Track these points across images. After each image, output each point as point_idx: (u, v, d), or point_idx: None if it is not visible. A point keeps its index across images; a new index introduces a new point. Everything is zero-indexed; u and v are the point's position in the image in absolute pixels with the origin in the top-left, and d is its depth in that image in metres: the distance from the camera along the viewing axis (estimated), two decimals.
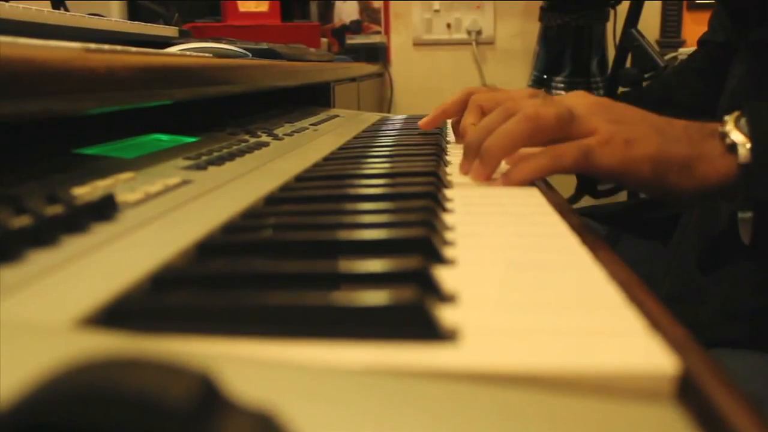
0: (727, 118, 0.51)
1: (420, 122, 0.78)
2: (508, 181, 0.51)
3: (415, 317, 0.22)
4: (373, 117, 1.10)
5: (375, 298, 0.23)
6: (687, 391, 0.21)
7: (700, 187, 0.51)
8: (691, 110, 0.64)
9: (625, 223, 0.88)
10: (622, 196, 2.10)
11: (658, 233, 0.84)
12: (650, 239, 0.85)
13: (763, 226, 0.51)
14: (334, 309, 0.23)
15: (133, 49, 0.58)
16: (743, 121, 0.50)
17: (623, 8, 1.72)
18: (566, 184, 1.76)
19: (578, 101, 0.54)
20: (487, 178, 0.53)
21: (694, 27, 2.31)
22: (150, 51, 0.65)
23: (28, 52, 0.35)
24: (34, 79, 0.35)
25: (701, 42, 0.97)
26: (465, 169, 0.55)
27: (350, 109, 1.31)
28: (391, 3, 2.48)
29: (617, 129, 0.51)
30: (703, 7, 2.30)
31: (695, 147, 0.51)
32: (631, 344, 0.22)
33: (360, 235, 0.33)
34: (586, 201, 1.88)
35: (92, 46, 0.49)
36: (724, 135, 0.50)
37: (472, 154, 0.54)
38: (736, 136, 0.49)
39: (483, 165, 0.53)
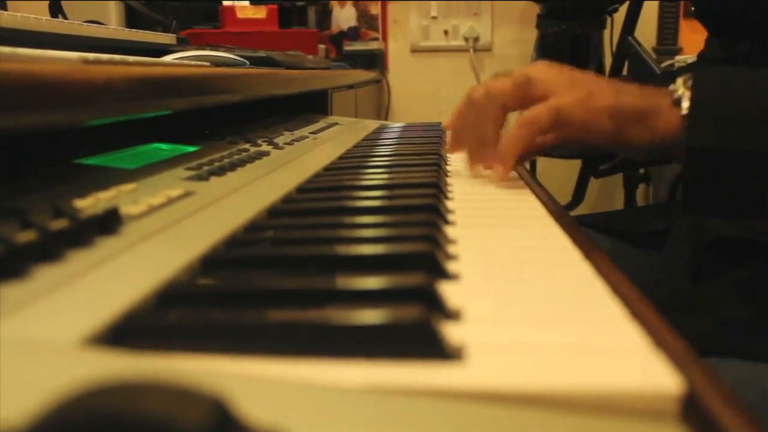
0: (678, 79, 0.55)
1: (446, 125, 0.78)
2: (505, 166, 0.58)
3: (421, 336, 0.22)
4: (373, 125, 1.11)
5: (381, 316, 0.23)
6: (690, 407, 0.21)
7: (654, 139, 0.55)
8: None
9: (620, 232, 0.88)
10: (619, 197, 2.10)
11: (652, 242, 0.84)
12: (644, 248, 0.86)
13: (694, 181, 0.54)
14: (339, 328, 0.23)
15: (132, 59, 0.58)
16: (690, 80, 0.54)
17: (620, 16, 1.73)
18: (564, 190, 1.77)
19: (535, 67, 0.61)
20: (492, 165, 0.60)
21: (691, 34, 2.32)
22: (148, 61, 0.65)
23: (27, 65, 0.35)
24: (33, 92, 0.35)
25: (699, 57, 0.98)
26: (473, 164, 0.64)
27: (348, 116, 1.32)
28: (389, 10, 2.48)
29: (576, 86, 0.57)
30: None
31: (648, 100, 0.55)
32: (635, 363, 0.22)
33: (364, 251, 0.33)
34: (582, 209, 1.89)
35: (91, 57, 0.49)
36: (673, 91, 0.54)
37: (457, 141, 0.66)
38: (681, 91, 0.54)
39: (491, 153, 0.60)
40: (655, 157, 0.61)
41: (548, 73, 0.59)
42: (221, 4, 1.89)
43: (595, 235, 0.87)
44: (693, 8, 0.98)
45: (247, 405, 0.17)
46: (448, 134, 0.93)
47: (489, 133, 0.61)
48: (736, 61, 0.75)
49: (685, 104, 0.53)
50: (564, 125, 0.56)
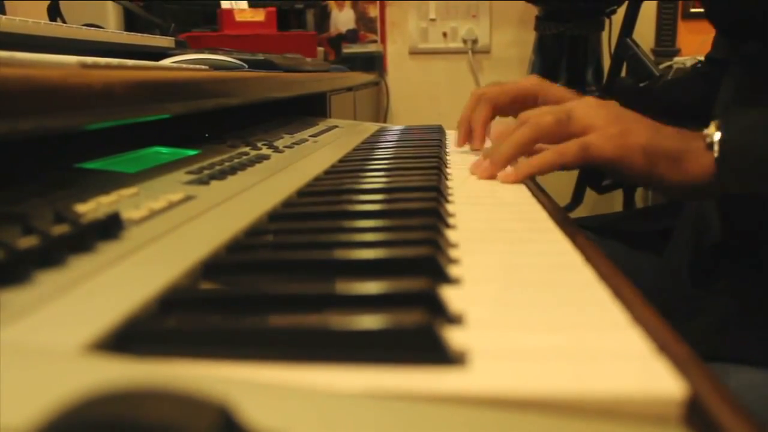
0: (713, 122, 0.57)
1: (456, 144, 0.83)
2: (518, 173, 0.59)
3: (423, 341, 0.22)
4: (372, 127, 1.11)
5: (383, 321, 0.23)
6: (693, 412, 0.21)
7: (685, 181, 0.57)
8: (686, 118, 0.66)
9: (619, 234, 0.88)
10: (618, 199, 2.11)
11: (651, 244, 0.84)
12: (644, 250, 0.86)
13: (734, 220, 0.56)
14: (342, 333, 0.23)
15: (130, 62, 0.58)
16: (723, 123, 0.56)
17: (618, 17, 1.73)
18: (563, 192, 1.77)
19: (579, 103, 0.63)
20: (492, 175, 0.61)
21: (689, 36, 2.32)
22: (146, 65, 0.65)
23: (26, 70, 0.35)
24: (31, 97, 0.35)
25: (707, 58, 0.98)
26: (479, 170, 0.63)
27: (346, 118, 1.32)
28: (387, 12, 2.49)
29: (613, 123, 0.59)
30: (698, 16, 2.31)
31: (683, 143, 0.57)
32: (638, 367, 0.22)
33: (365, 255, 0.33)
34: (581, 211, 1.89)
35: (89, 61, 0.49)
36: (707, 135, 0.56)
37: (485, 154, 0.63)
38: (714, 135, 0.55)
39: (492, 165, 0.61)
40: (689, 195, 0.62)
41: (589, 110, 0.60)
42: (219, 6, 1.89)
43: (593, 237, 0.87)
44: (696, 5, 0.99)
45: (252, 411, 0.17)
46: (450, 137, 0.93)
47: (507, 153, 0.61)
48: (742, 61, 0.75)
49: (717, 148, 0.54)
50: (594, 161, 0.58)
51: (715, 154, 0.54)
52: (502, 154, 0.61)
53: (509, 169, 0.61)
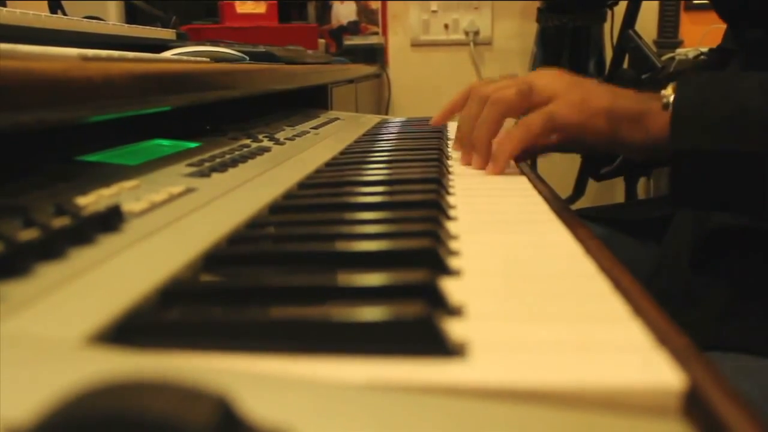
0: (669, 85, 0.59)
1: (431, 121, 0.84)
2: (497, 165, 0.61)
3: (423, 333, 0.22)
4: (374, 119, 1.10)
5: (383, 313, 0.23)
6: (692, 403, 0.21)
7: (646, 140, 0.59)
8: None
9: (619, 223, 0.88)
10: (620, 191, 2.10)
11: (651, 232, 0.84)
12: (643, 239, 0.86)
13: (679, 177, 0.58)
14: (342, 325, 0.23)
15: (131, 55, 0.58)
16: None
17: (621, 9, 1.72)
18: (564, 184, 1.77)
19: (538, 74, 0.66)
20: (484, 165, 0.63)
21: (692, 27, 2.31)
22: (147, 57, 0.65)
23: (26, 62, 0.35)
24: (32, 90, 0.35)
25: (714, 49, 0.98)
26: (465, 160, 0.66)
27: (348, 110, 1.31)
28: (389, 4, 2.48)
29: (574, 90, 0.61)
30: (700, 7, 2.30)
31: (641, 104, 0.60)
32: (637, 359, 0.22)
33: (366, 247, 0.33)
34: (582, 203, 1.89)
35: (89, 54, 0.49)
36: (663, 96, 0.58)
37: (464, 144, 0.66)
38: (670, 96, 0.58)
39: (479, 155, 0.63)
40: (650, 156, 0.64)
41: (549, 80, 0.63)
42: None
43: (593, 226, 0.87)
44: None
45: (252, 403, 0.17)
46: (451, 130, 0.93)
47: (483, 136, 0.63)
48: (745, 49, 0.75)
49: (671, 108, 0.57)
50: (560, 129, 0.61)
51: (670, 114, 0.57)
52: (481, 139, 0.63)
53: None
